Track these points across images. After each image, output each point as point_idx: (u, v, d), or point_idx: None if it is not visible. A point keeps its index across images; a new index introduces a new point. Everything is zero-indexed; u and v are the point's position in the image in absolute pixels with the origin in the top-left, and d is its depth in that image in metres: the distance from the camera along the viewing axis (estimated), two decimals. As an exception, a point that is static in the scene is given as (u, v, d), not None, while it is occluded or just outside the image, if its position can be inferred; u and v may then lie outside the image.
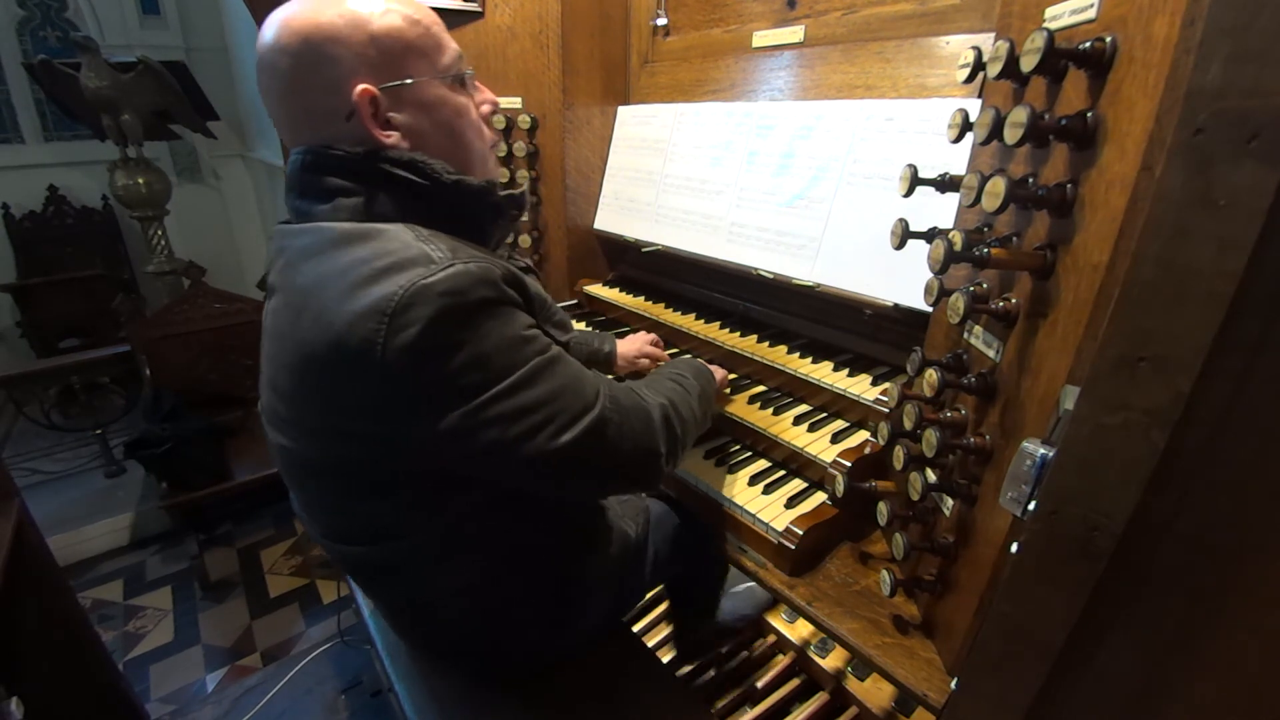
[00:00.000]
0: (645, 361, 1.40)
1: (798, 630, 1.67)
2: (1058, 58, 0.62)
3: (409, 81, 0.78)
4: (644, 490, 0.96)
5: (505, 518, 0.89)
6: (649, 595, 1.79)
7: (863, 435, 1.16)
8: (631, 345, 1.41)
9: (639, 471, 0.86)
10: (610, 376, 1.38)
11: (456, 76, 0.84)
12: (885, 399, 1.10)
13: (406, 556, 0.88)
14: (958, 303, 0.72)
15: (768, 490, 1.14)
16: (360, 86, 0.75)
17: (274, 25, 0.75)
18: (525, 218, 1.81)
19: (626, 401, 0.84)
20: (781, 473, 1.19)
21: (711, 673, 1.63)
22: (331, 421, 0.75)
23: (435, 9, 1.77)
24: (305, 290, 0.73)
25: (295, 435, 0.81)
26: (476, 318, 0.70)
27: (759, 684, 1.57)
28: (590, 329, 1.69)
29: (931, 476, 0.82)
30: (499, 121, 1.71)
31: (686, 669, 1.66)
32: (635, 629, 1.80)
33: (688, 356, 1.18)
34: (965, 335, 0.84)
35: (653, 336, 1.49)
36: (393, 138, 0.78)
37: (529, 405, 0.72)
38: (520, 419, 0.72)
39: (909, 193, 0.84)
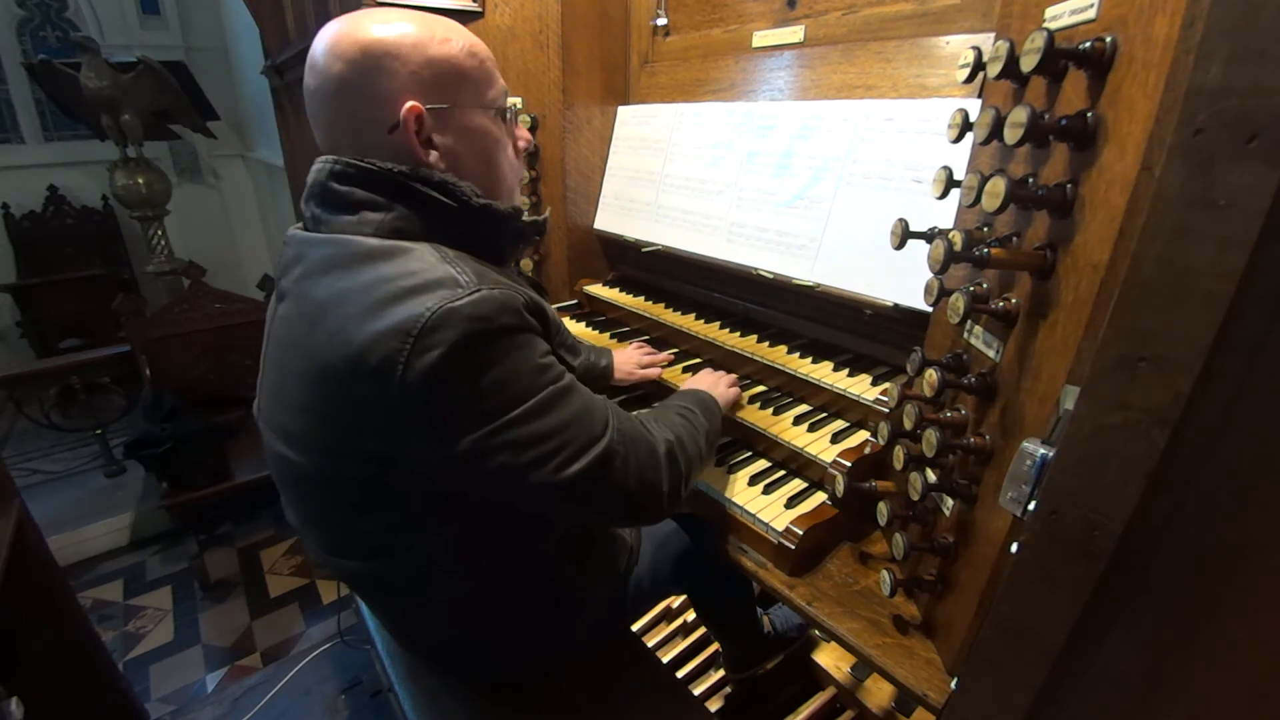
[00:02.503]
0: (641, 372, 1.40)
1: (798, 630, 1.67)
2: (1058, 58, 0.61)
3: (454, 106, 0.80)
4: (644, 524, 0.96)
5: (500, 532, 0.89)
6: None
7: (863, 435, 1.16)
8: (628, 359, 1.42)
9: (640, 507, 0.85)
10: (609, 386, 1.38)
11: (500, 110, 0.86)
12: (885, 399, 1.10)
13: (402, 571, 0.88)
14: (958, 303, 0.72)
15: (768, 490, 1.14)
16: (409, 103, 0.76)
17: (333, 33, 0.77)
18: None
19: (634, 434, 0.84)
20: (781, 473, 1.19)
21: (712, 673, 1.63)
22: (340, 437, 0.75)
23: (435, 9, 1.78)
24: (323, 303, 0.73)
25: (299, 448, 0.80)
26: (499, 344, 0.70)
27: (759, 684, 1.57)
28: (592, 329, 1.70)
29: (931, 476, 0.82)
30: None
31: (687, 669, 1.66)
32: (635, 628, 1.80)
33: (695, 388, 1.15)
34: (965, 335, 0.84)
35: (645, 347, 1.49)
36: (432, 156, 0.80)
37: (540, 434, 0.73)
38: (531, 447, 0.72)
39: (943, 195, 0.81)
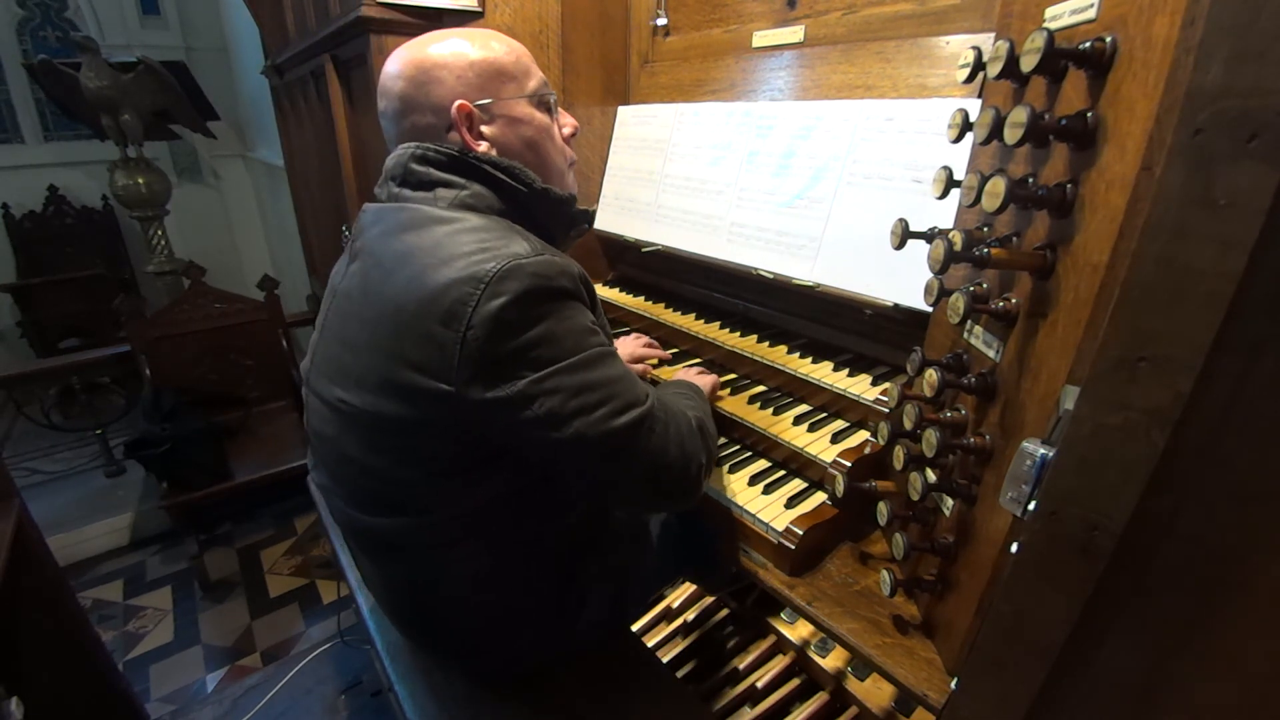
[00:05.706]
0: (640, 366, 1.40)
1: (798, 630, 1.67)
2: (1058, 58, 0.61)
3: (498, 99, 0.91)
4: (680, 503, 0.93)
5: (525, 507, 0.92)
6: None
7: (863, 435, 1.16)
8: (626, 349, 1.43)
9: (681, 476, 0.88)
10: None
11: (541, 99, 0.96)
12: (885, 399, 1.10)
13: (421, 534, 0.90)
14: (958, 303, 0.72)
15: (768, 490, 1.14)
16: (458, 102, 0.88)
17: (395, 58, 0.90)
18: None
19: (672, 406, 0.91)
20: (781, 473, 1.19)
21: (714, 671, 1.63)
22: (402, 374, 0.79)
23: (436, 9, 1.78)
24: (401, 254, 0.82)
25: (357, 387, 0.84)
26: (555, 301, 0.78)
27: (759, 684, 1.57)
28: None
29: (931, 476, 0.82)
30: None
31: (686, 669, 1.66)
32: (635, 628, 1.80)
33: (682, 376, 1.23)
34: (965, 335, 0.84)
35: (645, 339, 1.50)
36: (482, 146, 0.91)
37: (588, 384, 0.79)
38: (578, 395, 0.78)
39: (943, 195, 0.81)
